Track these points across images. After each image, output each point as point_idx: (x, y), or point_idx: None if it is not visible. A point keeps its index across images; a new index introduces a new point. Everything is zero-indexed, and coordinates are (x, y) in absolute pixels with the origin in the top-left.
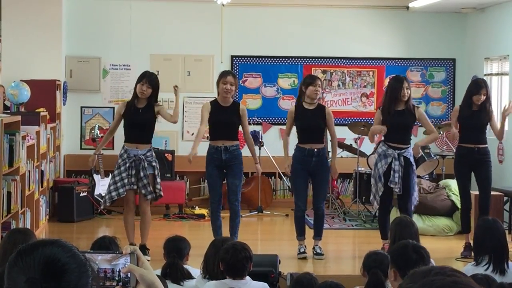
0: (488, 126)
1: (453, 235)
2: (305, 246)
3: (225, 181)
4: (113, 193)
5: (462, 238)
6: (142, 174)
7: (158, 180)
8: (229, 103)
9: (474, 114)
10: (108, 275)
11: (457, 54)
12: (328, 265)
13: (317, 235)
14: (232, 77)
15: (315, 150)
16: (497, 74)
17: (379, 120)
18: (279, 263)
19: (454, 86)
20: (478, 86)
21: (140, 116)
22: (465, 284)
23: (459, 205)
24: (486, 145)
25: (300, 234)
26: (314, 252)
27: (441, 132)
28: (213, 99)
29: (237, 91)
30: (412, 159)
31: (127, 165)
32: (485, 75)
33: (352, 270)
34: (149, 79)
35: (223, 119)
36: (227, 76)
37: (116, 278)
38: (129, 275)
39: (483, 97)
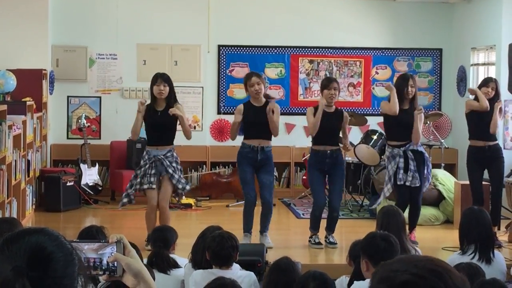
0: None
1: (439, 225)
2: (319, 237)
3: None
4: (130, 190)
5: (449, 228)
6: (170, 171)
7: (176, 176)
8: (262, 103)
9: (483, 112)
10: (96, 264)
11: (443, 44)
12: (314, 254)
13: (330, 230)
14: (256, 77)
15: (328, 151)
16: (483, 64)
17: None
18: (266, 252)
19: (441, 76)
20: (487, 79)
21: (160, 119)
22: (440, 263)
23: (445, 195)
24: (497, 142)
25: (315, 228)
26: (327, 241)
27: (428, 122)
28: (247, 101)
29: (265, 86)
30: (421, 148)
31: (147, 166)
32: (471, 65)
33: (338, 260)
34: (164, 78)
35: (258, 119)
36: (251, 78)
37: (104, 268)
38: (115, 264)
39: (491, 91)
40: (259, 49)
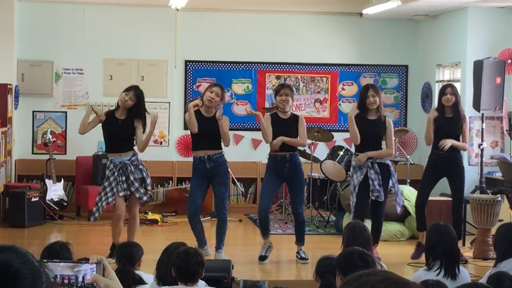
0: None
1: (405, 240)
2: (269, 246)
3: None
4: (104, 203)
5: (414, 243)
6: (132, 178)
7: (148, 181)
8: (211, 114)
9: (447, 121)
10: (72, 281)
11: (409, 60)
12: (281, 270)
13: (300, 241)
14: (219, 88)
15: (287, 155)
16: (449, 81)
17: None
18: (232, 268)
19: (406, 92)
20: (443, 87)
21: (119, 127)
22: (396, 279)
23: (411, 211)
24: (458, 151)
25: (264, 233)
26: (299, 257)
27: (394, 138)
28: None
29: (221, 104)
30: (388, 161)
31: (116, 174)
32: (437, 81)
33: (305, 275)
34: (136, 91)
35: (206, 129)
36: (214, 87)
37: (79, 285)
38: (94, 284)
39: (450, 96)
40: (226, 64)
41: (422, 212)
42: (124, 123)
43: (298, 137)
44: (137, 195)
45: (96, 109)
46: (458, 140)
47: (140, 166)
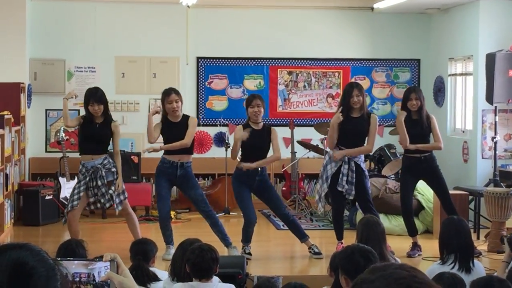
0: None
1: (419, 235)
2: (250, 247)
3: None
4: (69, 205)
5: (428, 237)
6: (100, 183)
7: (103, 190)
8: (179, 118)
9: (416, 123)
10: (83, 279)
11: (421, 54)
12: (295, 266)
13: (303, 237)
14: (174, 94)
15: (259, 169)
16: (461, 74)
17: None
18: (246, 264)
19: (419, 86)
20: (408, 92)
21: (97, 130)
22: (422, 280)
23: (424, 205)
24: (431, 152)
25: (246, 241)
26: (312, 252)
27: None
28: (163, 117)
29: (182, 104)
30: (363, 165)
31: (87, 178)
32: (449, 75)
33: (319, 271)
34: (96, 98)
35: (177, 135)
36: (170, 95)
37: (92, 283)
38: (108, 282)
39: (415, 102)
40: (237, 61)
41: (411, 218)
42: (101, 126)
43: (272, 151)
44: (102, 200)
45: (69, 96)
46: (428, 141)
47: (113, 169)
